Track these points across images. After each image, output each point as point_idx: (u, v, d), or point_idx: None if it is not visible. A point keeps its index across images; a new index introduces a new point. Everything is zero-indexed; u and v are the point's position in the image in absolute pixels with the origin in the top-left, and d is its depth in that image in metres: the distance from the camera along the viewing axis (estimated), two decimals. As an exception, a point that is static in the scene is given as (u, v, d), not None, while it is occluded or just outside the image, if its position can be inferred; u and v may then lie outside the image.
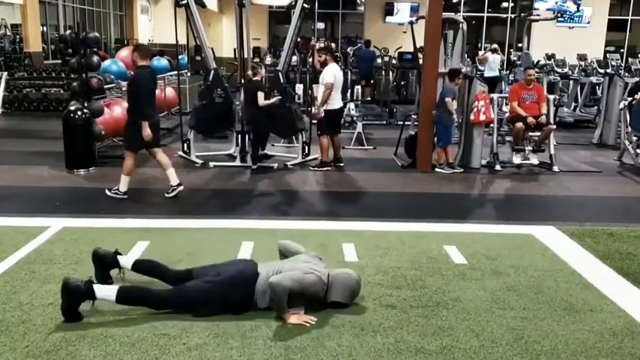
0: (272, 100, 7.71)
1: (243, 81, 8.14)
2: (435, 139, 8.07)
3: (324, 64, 7.92)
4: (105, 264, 3.88)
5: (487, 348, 3.24)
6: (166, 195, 6.34)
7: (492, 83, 12.51)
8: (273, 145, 9.11)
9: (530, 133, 8.24)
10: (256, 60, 9.99)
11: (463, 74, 8.58)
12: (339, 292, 3.65)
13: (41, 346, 3.15)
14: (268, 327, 3.41)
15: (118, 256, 3.90)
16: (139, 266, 3.87)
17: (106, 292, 3.50)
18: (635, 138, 8.62)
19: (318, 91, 8.00)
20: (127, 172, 6.28)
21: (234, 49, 9.55)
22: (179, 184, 6.41)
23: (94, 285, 3.49)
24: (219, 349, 3.16)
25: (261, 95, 7.49)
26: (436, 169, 7.92)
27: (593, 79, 13.72)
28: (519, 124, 8.04)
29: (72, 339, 3.23)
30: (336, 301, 3.64)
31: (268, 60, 14.89)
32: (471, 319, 3.57)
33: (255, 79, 7.59)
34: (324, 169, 7.91)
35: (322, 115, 7.77)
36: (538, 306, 3.79)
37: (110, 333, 3.30)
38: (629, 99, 9.17)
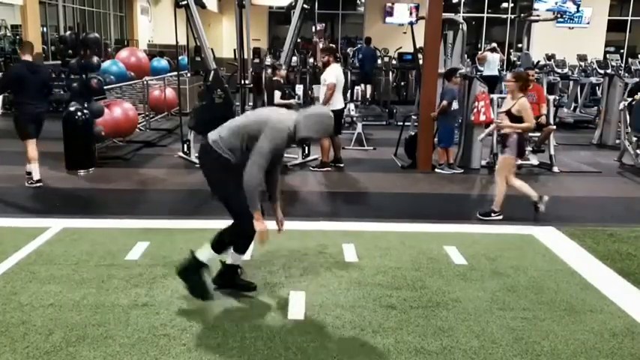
0: (289, 101, 7.80)
1: (244, 82, 8.16)
2: (437, 139, 8.07)
3: (326, 64, 7.95)
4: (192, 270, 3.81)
5: (487, 348, 3.25)
6: (27, 184, 6.71)
7: (491, 82, 12.49)
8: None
9: (530, 134, 8.22)
10: (279, 62, 10.18)
11: (462, 74, 8.58)
12: (307, 128, 3.51)
13: (41, 347, 3.15)
14: (268, 328, 3.41)
15: (195, 254, 3.80)
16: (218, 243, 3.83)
17: (206, 253, 3.69)
18: (635, 138, 8.61)
19: (320, 91, 8.01)
20: (30, 160, 6.70)
21: (234, 50, 9.55)
22: (39, 180, 6.73)
23: (195, 254, 3.69)
24: (219, 350, 3.16)
25: (277, 94, 7.60)
26: (436, 170, 7.92)
27: (593, 79, 13.72)
28: None
29: (72, 340, 3.23)
30: (305, 136, 3.54)
31: (268, 61, 14.90)
32: (471, 320, 3.57)
33: (274, 78, 7.77)
34: (324, 169, 7.91)
35: None
36: (538, 306, 3.80)
37: (110, 334, 3.30)
38: (629, 99, 9.17)
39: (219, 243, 3.73)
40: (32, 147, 6.73)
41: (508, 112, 5.72)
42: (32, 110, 6.70)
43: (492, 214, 5.77)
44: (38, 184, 6.71)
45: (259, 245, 3.71)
